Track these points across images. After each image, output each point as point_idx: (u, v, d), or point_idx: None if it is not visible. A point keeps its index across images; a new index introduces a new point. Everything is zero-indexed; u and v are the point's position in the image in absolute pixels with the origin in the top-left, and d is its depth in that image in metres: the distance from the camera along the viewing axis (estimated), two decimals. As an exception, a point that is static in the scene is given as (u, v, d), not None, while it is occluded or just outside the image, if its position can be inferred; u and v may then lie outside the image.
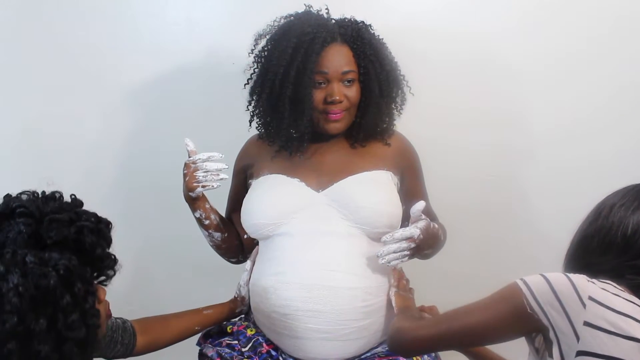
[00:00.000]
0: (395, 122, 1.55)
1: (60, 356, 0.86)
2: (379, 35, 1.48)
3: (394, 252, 1.34)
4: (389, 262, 1.34)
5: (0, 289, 0.83)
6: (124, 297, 1.95)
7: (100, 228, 0.99)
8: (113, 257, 1.01)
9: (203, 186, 1.42)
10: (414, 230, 1.34)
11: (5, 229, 0.92)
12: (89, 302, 0.90)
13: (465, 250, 1.94)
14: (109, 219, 1.05)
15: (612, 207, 1.06)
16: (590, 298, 0.95)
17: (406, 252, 1.35)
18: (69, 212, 0.96)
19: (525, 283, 0.98)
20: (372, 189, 1.43)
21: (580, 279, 0.97)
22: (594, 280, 0.98)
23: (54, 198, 0.99)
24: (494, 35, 1.89)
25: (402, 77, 1.51)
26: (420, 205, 1.35)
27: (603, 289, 0.97)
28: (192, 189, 1.43)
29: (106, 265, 1.00)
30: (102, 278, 1.01)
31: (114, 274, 1.02)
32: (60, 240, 0.92)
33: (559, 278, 0.98)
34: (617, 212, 1.05)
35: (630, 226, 1.02)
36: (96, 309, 0.93)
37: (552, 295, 0.96)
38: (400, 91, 1.52)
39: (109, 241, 1.01)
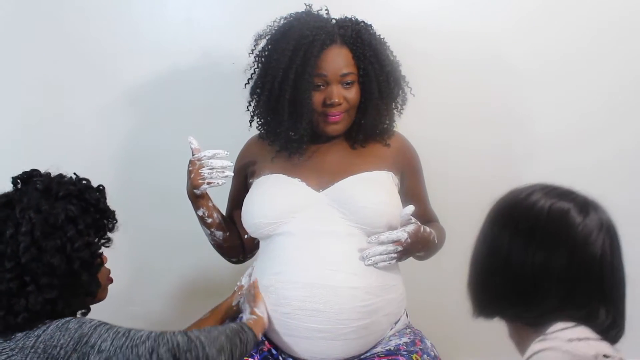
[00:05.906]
0: (395, 123, 1.55)
1: (69, 266, 1.09)
2: (379, 35, 1.48)
3: (380, 254, 1.34)
4: (376, 263, 1.34)
5: (18, 223, 1.07)
6: (126, 297, 1.95)
7: (100, 188, 1.22)
8: (113, 211, 1.21)
9: (208, 183, 1.42)
10: (401, 233, 1.35)
11: (23, 189, 1.16)
12: (91, 235, 1.15)
13: (465, 250, 1.93)
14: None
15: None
16: None
17: (393, 255, 1.35)
18: (73, 180, 1.20)
19: None
20: (373, 189, 1.43)
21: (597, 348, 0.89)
22: (588, 338, 0.92)
23: (60, 175, 1.21)
24: (495, 35, 1.90)
25: (402, 78, 1.51)
26: (409, 209, 1.36)
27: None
28: (197, 186, 1.43)
29: (109, 215, 1.20)
30: (107, 234, 1.21)
31: (115, 227, 1.21)
32: (67, 194, 1.14)
33: None
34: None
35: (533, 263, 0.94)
36: (97, 244, 1.17)
37: None
38: (400, 91, 1.51)
39: (105, 199, 1.22)
